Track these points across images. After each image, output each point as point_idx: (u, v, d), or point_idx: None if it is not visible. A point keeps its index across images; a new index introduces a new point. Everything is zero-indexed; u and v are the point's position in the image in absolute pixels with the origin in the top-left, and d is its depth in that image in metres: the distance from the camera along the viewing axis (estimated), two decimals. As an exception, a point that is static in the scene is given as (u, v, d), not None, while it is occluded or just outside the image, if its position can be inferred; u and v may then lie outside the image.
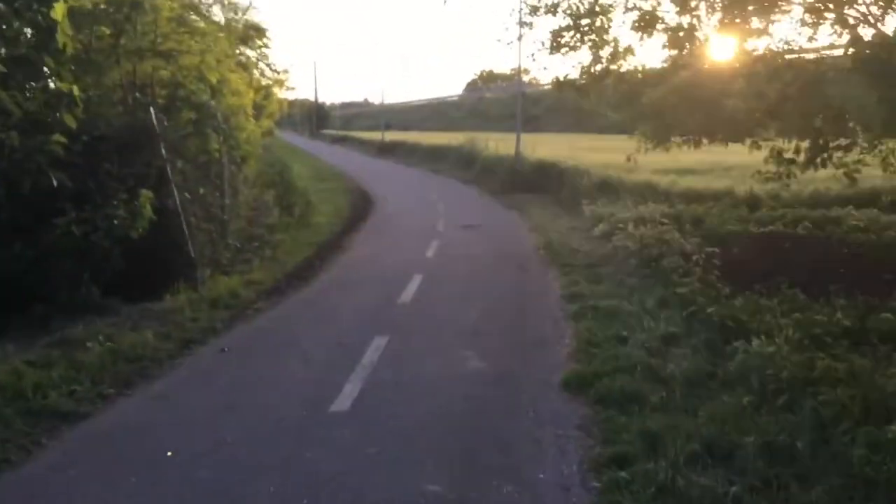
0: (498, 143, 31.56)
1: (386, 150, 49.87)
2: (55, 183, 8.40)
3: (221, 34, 16.29)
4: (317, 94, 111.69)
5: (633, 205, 16.09)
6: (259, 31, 23.13)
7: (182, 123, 12.35)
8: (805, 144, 11.82)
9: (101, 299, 9.15)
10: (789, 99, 11.43)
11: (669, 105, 11.64)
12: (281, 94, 55.40)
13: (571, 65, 13.93)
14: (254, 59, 27.61)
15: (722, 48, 11.57)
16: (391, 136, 58.58)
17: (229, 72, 17.80)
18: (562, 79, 12.93)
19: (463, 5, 78.83)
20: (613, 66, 12.46)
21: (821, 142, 11.63)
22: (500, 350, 7.75)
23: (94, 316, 8.70)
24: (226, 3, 24.09)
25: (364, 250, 14.27)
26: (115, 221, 9.19)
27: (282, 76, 43.21)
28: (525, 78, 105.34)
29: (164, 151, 10.52)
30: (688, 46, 11.65)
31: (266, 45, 35.74)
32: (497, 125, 61.80)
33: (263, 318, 9.27)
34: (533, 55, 14.06)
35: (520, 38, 14.72)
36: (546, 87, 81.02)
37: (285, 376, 7.01)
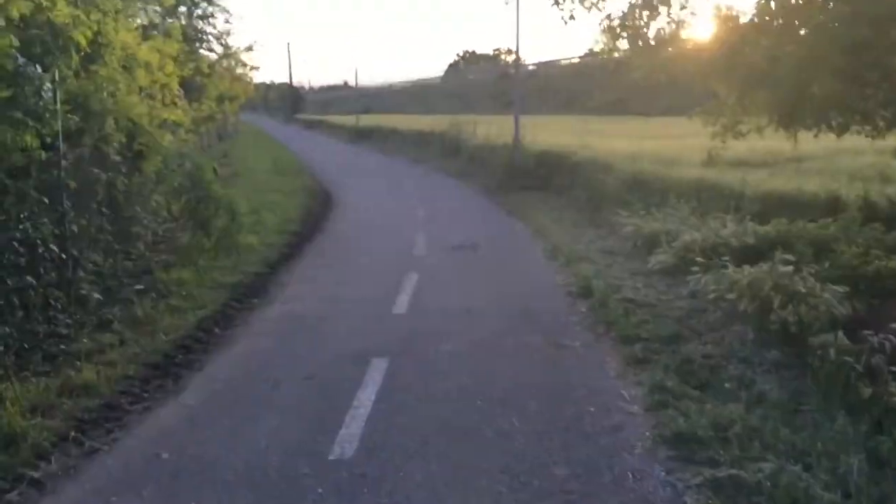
0: (488, 128, 26.58)
1: (361, 136, 44.71)
2: None
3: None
4: (291, 76, 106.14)
5: (697, 216, 11.23)
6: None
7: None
8: None
9: None
10: None
11: (809, 65, 6.74)
12: (247, 73, 50.32)
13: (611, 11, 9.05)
14: (180, 25, 22.53)
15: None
16: (368, 120, 53.44)
17: (121, 31, 12.84)
18: (614, 21, 7.98)
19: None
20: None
21: None
22: None
23: None
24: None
25: (301, 299, 9.24)
26: None
27: (235, 51, 38.14)
28: (509, 59, 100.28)
29: None
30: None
31: (209, 14, 30.71)
32: (481, 107, 57.18)
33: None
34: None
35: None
36: (532, 67, 76.31)
37: None
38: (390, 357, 6.77)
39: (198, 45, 32.27)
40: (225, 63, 45.19)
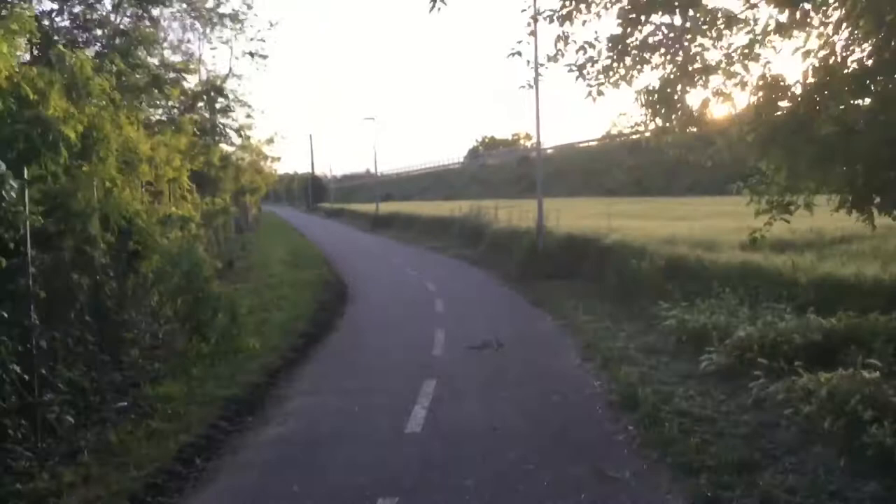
0: (510, 213, 25.78)
1: (381, 224, 44.23)
2: None
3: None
4: (313, 166, 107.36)
5: (747, 307, 10.05)
6: (185, 68, 17.55)
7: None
8: None
9: None
10: None
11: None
12: (268, 165, 50.47)
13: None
14: (191, 119, 22.22)
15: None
16: (389, 206, 53.29)
17: (124, 125, 12.29)
18: (654, 95, 7.05)
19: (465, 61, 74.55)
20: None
21: None
22: None
23: None
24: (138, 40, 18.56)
25: (301, 417, 8.07)
26: None
27: (257, 144, 37.99)
28: (528, 144, 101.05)
29: None
30: None
31: (228, 108, 30.61)
32: (502, 191, 56.94)
33: None
34: (583, 67, 8.34)
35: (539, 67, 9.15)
36: (550, 151, 76.50)
37: None
38: (399, 497, 5.57)
39: (218, 138, 32.26)
40: (247, 157, 45.45)
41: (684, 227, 18.66)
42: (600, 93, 8.53)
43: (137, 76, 15.57)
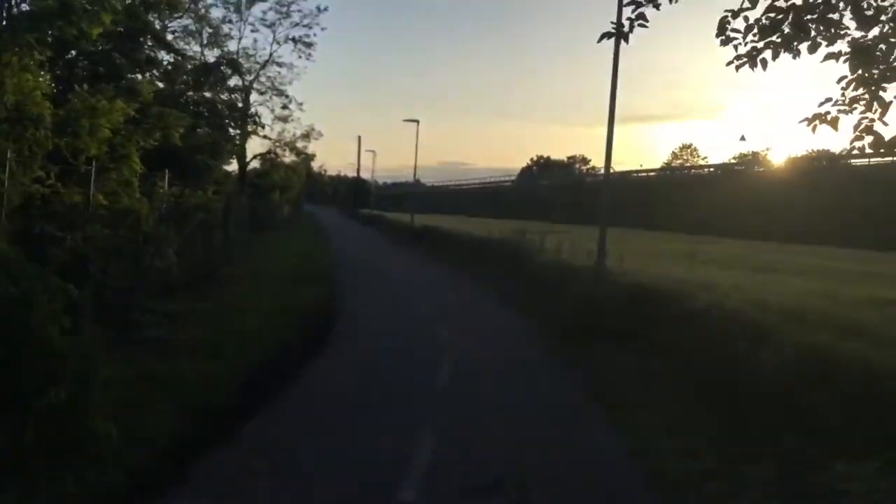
0: (559, 241, 20.95)
1: (414, 238, 39.75)
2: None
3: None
4: (359, 170, 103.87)
5: None
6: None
7: None
8: None
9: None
10: None
11: None
12: (299, 162, 46.46)
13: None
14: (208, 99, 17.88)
15: None
16: (428, 219, 48.79)
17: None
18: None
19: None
20: None
21: None
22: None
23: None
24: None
25: None
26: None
27: (292, 139, 33.63)
28: (583, 168, 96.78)
29: None
30: None
31: (241, 87, 26.32)
32: (552, 215, 52.68)
33: None
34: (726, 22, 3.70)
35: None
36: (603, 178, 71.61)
37: None
38: None
39: (229, 121, 28.13)
40: (280, 152, 41.31)
41: (790, 284, 13.57)
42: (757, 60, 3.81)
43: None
